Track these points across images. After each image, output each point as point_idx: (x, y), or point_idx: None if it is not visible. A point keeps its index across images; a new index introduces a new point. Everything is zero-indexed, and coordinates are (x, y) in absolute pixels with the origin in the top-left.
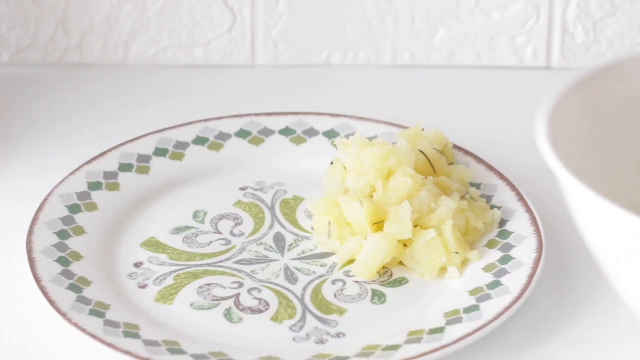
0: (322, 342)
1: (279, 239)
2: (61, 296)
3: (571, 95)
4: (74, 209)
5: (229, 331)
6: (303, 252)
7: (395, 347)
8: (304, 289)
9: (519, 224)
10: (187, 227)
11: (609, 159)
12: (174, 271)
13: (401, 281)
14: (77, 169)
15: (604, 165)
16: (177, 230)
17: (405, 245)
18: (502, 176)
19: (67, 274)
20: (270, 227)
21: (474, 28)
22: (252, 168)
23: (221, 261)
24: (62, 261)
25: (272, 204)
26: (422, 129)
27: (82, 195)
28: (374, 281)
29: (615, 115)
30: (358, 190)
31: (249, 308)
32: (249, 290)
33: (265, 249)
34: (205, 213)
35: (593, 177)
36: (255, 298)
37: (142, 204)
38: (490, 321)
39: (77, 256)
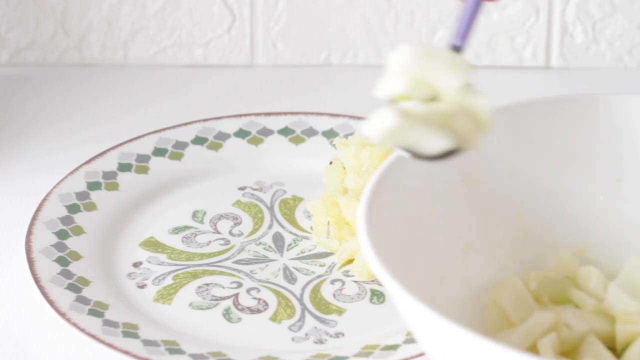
0: (321, 342)
1: (278, 239)
2: (60, 296)
3: (386, 175)
4: (73, 209)
5: (228, 331)
6: (302, 252)
7: (394, 347)
8: (303, 289)
9: None
10: (186, 227)
11: (436, 236)
12: (173, 271)
13: None
14: (77, 169)
15: (431, 243)
16: (176, 230)
17: None
18: None
19: (66, 273)
20: (270, 227)
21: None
22: (251, 168)
23: (220, 261)
24: (61, 261)
25: (271, 204)
26: None
27: (81, 195)
28: (373, 281)
29: (433, 190)
30: (357, 190)
31: (248, 308)
32: (248, 290)
33: (265, 248)
34: (205, 213)
35: (420, 260)
36: (255, 298)
37: (141, 204)
38: None
39: (76, 256)
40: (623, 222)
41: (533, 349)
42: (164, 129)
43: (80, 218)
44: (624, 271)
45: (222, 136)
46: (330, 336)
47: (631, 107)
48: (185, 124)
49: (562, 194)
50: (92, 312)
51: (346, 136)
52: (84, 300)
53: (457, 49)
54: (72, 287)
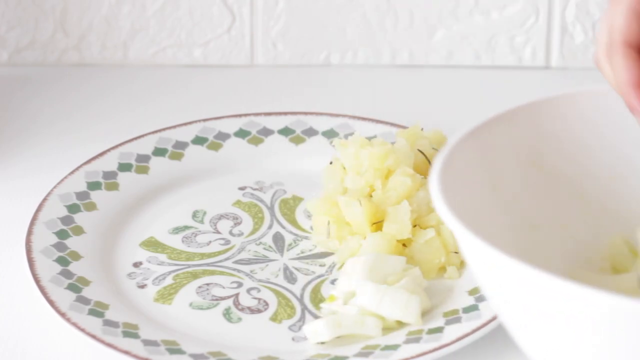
0: (321, 342)
1: (278, 239)
2: (60, 296)
3: (464, 147)
4: (73, 209)
5: (228, 331)
6: (302, 252)
7: (394, 347)
8: (303, 288)
9: None
10: (187, 227)
11: (504, 214)
12: (173, 271)
13: None
14: (77, 169)
15: (500, 220)
16: (177, 230)
17: (404, 245)
18: None
19: (67, 273)
20: (270, 227)
21: (472, 28)
22: (251, 168)
23: (220, 261)
24: (61, 261)
25: (272, 203)
26: (422, 129)
27: (81, 195)
28: None
29: (509, 169)
30: (357, 190)
31: (248, 308)
32: (248, 290)
33: (265, 248)
34: (205, 213)
35: (488, 232)
36: (255, 298)
37: (141, 203)
38: (490, 321)
39: (76, 256)
40: None
41: None
42: (164, 129)
43: (80, 218)
44: None
45: (222, 136)
46: None
47: None
48: (185, 124)
49: (628, 179)
50: (92, 312)
51: (346, 136)
52: (84, 300)
53: None
54: (72, 287)
